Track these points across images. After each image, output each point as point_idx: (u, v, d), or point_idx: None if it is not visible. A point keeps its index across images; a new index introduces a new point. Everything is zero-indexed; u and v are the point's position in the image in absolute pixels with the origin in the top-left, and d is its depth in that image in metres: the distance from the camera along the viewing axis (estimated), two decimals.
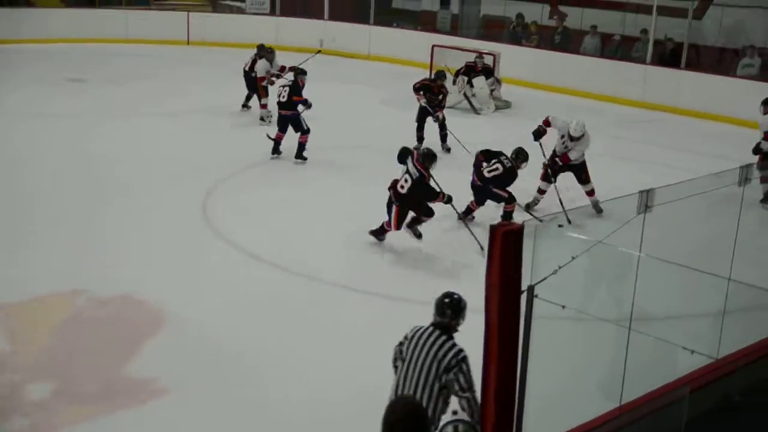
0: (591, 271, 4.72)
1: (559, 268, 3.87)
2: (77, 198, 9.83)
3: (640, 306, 4.66)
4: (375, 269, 8.28)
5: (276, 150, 11.63)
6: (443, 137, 12.38)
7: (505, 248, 3.72)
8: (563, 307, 3.98)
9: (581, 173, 9.93)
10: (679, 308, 6.51)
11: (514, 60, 17.20)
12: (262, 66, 13.63)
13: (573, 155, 9.83)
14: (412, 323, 4.74)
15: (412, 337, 4.60)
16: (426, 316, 4.69)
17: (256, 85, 13.77)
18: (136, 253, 8.35)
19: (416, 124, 12.41)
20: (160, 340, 6.61)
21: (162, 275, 7.84)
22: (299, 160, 11.50)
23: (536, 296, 3.87)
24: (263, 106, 13.61)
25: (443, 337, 4.54)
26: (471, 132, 12.98)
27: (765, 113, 10.67)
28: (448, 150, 12.27)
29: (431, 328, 4.60)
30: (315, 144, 11.62)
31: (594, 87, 16.32)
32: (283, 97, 11.37)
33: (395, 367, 4.71)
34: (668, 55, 16.77)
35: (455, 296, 4.71)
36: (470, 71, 15.01)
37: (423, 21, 22.17)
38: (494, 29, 20.55)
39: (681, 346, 4.89)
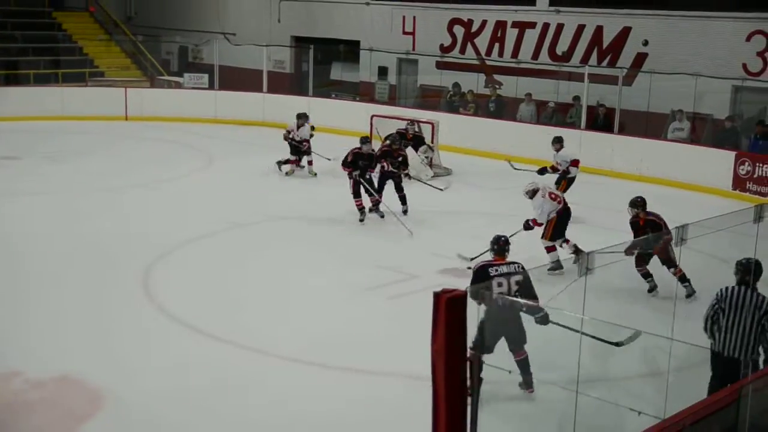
0: (536, 335, 4.75)
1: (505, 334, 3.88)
2: (8, 276, 9.57)
3: (587, 368, 4.69)
4: (327, 340, 8.17)
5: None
6: (403, 198, 12.75)
7: (450, 314, 3.71)
8: (509, 372, 3.99)
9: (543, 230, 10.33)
10: (624, 369, 6.55)
11: (453, 128, 17.48)
12: (306, 130, 15.09)
13: (534, 215, 10.33)
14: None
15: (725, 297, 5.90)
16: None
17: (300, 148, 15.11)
18: (73, 330, 8.11)
19: (377, 186, 12.68)
20: (98, 425, 6.38)
21: (102, 353, 7.61)
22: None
23: (483, 362, 3.87)
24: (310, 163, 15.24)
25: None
26: (426, 199, 13.12)
27: (558, 150, 13.10)
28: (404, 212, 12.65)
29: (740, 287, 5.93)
30: (258, 215, 11.57)
31: (531, 152, 16.61)
32: None
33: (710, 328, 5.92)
34: (601, 121, 17.21)
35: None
36: (402, 138, 15.10)
37: (361, 92, 22.48)
38: (431, 98, 20.91)
39: (628, 407, 4.90)
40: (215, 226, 11.76)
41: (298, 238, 11.53)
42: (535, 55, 19.36)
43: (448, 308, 3.69)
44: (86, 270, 9.90)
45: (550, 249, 10.24)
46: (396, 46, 21.69)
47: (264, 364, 7.56)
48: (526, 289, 6.41)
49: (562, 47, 18.93)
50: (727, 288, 5.92)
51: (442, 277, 9.74)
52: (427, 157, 15.51)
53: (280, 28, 24.47)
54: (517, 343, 5.83)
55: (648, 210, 9.42)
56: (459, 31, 20.77)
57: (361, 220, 12.32)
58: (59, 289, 9.22)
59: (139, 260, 10.15)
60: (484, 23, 20.26)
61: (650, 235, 8.99)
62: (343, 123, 19.23)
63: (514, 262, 6.84)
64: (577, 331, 4.55)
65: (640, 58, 17.72)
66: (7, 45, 23.79)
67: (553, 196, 10.44)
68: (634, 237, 9.20)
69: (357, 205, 12.42)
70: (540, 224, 10.28)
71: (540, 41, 19.29)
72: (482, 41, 20.35)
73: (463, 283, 8.90)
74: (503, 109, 18.91)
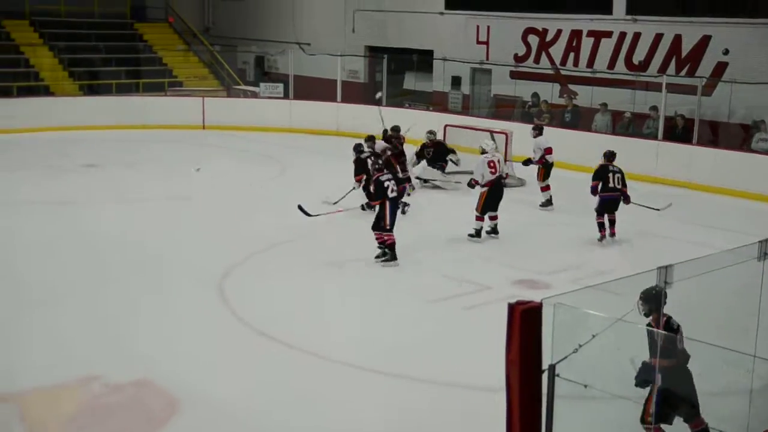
0: (612, 349, 4.65)
1: (580, 346, 3.82)
2: (88, 281, 9.84)
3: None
4: (401, 349, 8.16)
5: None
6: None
7: (525, 326, 3.68)
8: (585, 386, 3.92)
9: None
10: (704, 387, 6.37)
11: (526, 138, 17.31)
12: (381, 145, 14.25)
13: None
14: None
15: None
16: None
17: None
18: (152, 335, 8.29)
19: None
20: (176, 429, 6.50)
21: (179, 358, 7.76)
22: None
23: (558, 375, 3.81)
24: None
25: None
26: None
27: (535, 136, 14.06)
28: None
29: None
30: (330, 223, 11.64)
31: None
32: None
33: None
34: (679, 131, 16.85)
35: None
36: (424, 149, 15.24)
37: (434, 101, 22.47)
38: (505, 108, 20.78)
39: (709, 426, 4.78)
40: (289, 233, 11.88)
41: (370, 247, 11.56)
42: (611, 65, 19.07)
43: (523, 319, 3.67)
44: (163, 275, 10.11)
45: (478, 218, 11.83)
46: (470, 55, 21.63)
47: (338, 373, 7.59)
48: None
49: (639, 56, 18.60)
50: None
51: (514, 289, 9.68)
52: (455, 162, 15.49)
53: (354, 38, 24.65)
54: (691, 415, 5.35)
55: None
56: (534, 40, 20.61)
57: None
58: (137, 294, 9.43)
59: (214, 266, 10.32)
60: (559, 32, 20.06)
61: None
62: (416, 132, 19.24)
63: None
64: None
65: (720, 68, 17.29)
66: (90, 56, 24.53)
67: (491, 164, 11.82)
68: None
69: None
70: (477, 182, 11.91)
71: (616, 50, 18.99)
72: (557, 50, 20.15)
73: (538, 295, 8.83)
74: (579, 119, 18.68)
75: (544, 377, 3.75)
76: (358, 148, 13.10)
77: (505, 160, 15.62)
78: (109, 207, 13.37)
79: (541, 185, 13.95)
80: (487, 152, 11.97)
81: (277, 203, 13.87)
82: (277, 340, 8.20)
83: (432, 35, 22.68)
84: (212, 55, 26.28)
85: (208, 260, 10.62)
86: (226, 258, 10.69)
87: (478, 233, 11.82)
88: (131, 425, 6.58)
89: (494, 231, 12.03)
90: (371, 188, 10.77)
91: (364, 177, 12.26)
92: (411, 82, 23.78)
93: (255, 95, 23.13)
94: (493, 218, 12.00)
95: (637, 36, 18.61)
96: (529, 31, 20.66)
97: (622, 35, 18.86)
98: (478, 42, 21.69)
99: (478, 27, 21.64)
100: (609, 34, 19.11)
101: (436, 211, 13.72)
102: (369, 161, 12.50)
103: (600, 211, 11.86)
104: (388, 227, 10.55)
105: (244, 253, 10.96)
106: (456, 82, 22.30)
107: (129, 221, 12.56)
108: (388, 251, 10.62)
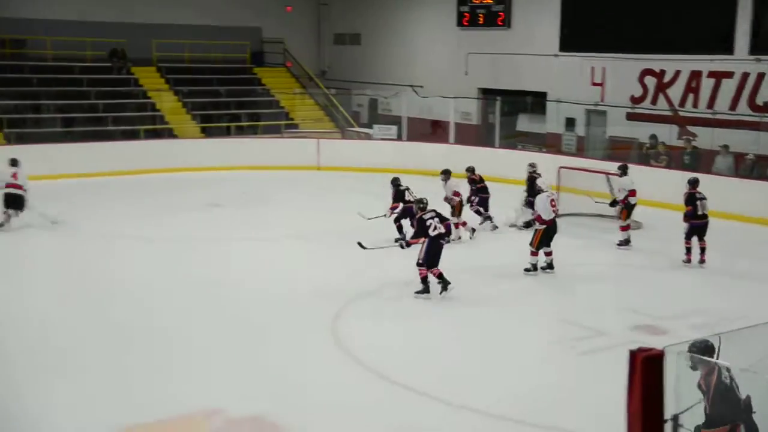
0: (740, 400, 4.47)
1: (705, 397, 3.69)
2: (212, 318, 10.12)
3: None
4: (518, 394, 8.06)
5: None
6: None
7: (646, 375, 3.59)
8: None
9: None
10: None
11: (644, 181, 16.92)
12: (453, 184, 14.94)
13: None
14: None
15: None
16: None
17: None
18: (270, 373, 8.44)
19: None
20: None
21: (295, 398, 7.87)
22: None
23: (681, 426, 3.70)
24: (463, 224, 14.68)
25: None
26: (606, 254, 12.87)
27: (621, 176, 14.16)
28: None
29: None
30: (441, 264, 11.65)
31: (727, 206, 15.79)
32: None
33: None
34: None
35: None
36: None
37: (548, 143, 22.29)
38: (621, 150, 20.41)
39: None
40: (402, 274, 11.92)
41: (478, 289, 11.51)
42: (733, 106, 18.51)
43: (644, 368, 3.57)
44: (279, 313, 10.31)
45: (533, 254, 12.09)
46: (584, 97, 21.40)
47: (453, 415, 7.56)
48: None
49: (763, 97, 17.99)
50: None
51: (633, 334, 9.45)
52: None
53: (467, 81, 24.77)
54: None
55: None
56: (651, 81, 20.24)
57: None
58: (254, 331, 9.64)
59: (329, 306, 10.45)
60: (677, 73, 19.62)
61: None
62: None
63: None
64: None
65: None
66: (212, 99, 25.50)
67: (552, 202, 12.13)
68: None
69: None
70: (541, 220, 12.04)
71: (738, 91, 18.42)
72: (675, 91, 19.71)
73: (659, 341, 8.61)
74: (698, 161, 18.15)
75: (668, 428, 3.64)
76: (395, 182, 14.35)
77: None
78: (226, 244, 13.75)
79: (622, 225, 14.09)
80: (544, 190, 12.29)
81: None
82: (391, 380, 8.22)
83: (546, 77, 22.57)
84: (327, 98, 26.89)
85: (325, 298, 10.76)
86: (343, 296, 10.84)
87: (534, 267, 12.16)
88: None
89: (550, 266, 12.26)
90: (413, 225, 11.66)
91: (400, 205, 13.77)
92: (524, 123, 23.67)
93: (368, 137, 23.49)
94: (548, 254, 12.24)
95: (760, 76, 18.02)
96: (646, 72, 20.30)
97: (745, 75, 18.30)
98: (594, 83, 21.45)
99: (593, 68, 21.42)
100: (730, 75, 18.58)
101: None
102: (407, 193, 13.88)
103: (689, 236, 12.54)
104: (420, 262, 10.91)
105: (358, 292, 11.09)
106: (570, 123, 22.07)
107: (247, 257, 12.89)
108: (422, 284, 10.97)
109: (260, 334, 9.58)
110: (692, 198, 12.55)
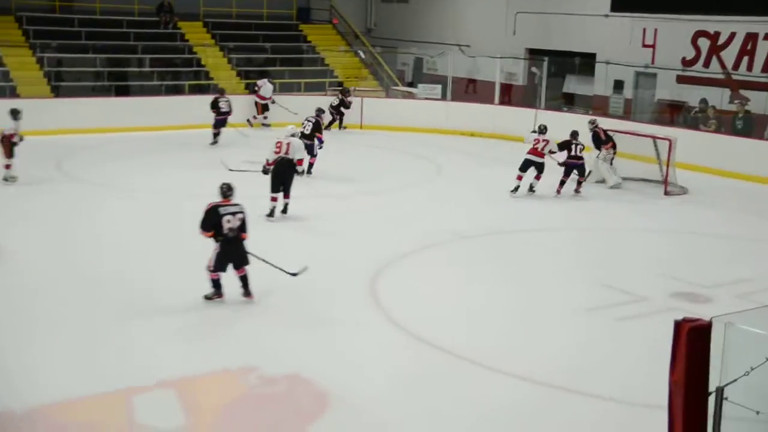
0: None
1: (752, 369, 3.58)
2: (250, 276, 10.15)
3: None
4: (551, 359, 8.00)
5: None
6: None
7: (692, 346, 3.50)
8: (757, 412, 3.67)
9: None
10: None
11: (691, 145, 16.62)
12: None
13: None
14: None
15: None
16: None
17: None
18: (304, 331, 8.46)
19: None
20: (325, 426, 6.62)
21: (330, 355, 7.89)
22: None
23: (726, 399, 3.60)
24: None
25: None
26: (649, 219, 12.69)
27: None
28: None
29: None
30: (481, 227, 11.56)
31: None
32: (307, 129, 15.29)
33: None
34: None
35: None
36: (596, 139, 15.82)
37: (595, 105, 21.92)
38: (669, 114, 20.00)
39: None
40: (441, 236, 11.87)
41: (519, 252, 11.43)
42: None
43: (690, 339, 3.49)
44: (318, 274, 10.27)
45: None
46: (634, 59, 20.93)
47: (486, 379, 7.52)
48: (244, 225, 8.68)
49: None
50: None
51: (673, 301, 9.32)
52: (605, 160, 15.66)
53: (515, 41, 24.38)
54: None
55: None
56: (704, 43, 19.71)
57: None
58: (292, 292, 9.59)
59: (367, 266, 10.41)
60: (732, 35, 19.08)
61: None
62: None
63: (237, 204, 8.72)
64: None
65: None
66: (257, 55, 25.43)
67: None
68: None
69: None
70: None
71: None
72: (729, 54, 19.18)
73: (701, 310, 8.49)
74: (752, 126, 17.71)
75: (711, 400, 3.56)
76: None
77: (667, 167, 15.09)
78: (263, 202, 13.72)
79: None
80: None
81: (431, 205, 13.93)
82: (427, 342, 8.20)
83: (595, 38, 22.10)
84: (373, 56, 26.68)
85: (363, 259, 10.74)
86: (381, 258, 10.78)
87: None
88: (282, 418, 6.74)
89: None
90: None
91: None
92: (572, 85, 23.29)
93: (413, 96, 23.30)
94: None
95: None
96: (700, 33, 19.78)
97: None
98: (644, 45, 20.95)
99: (644, 30, 20.91)
100: None
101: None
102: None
103: (567, 173, 14.80)
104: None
105: (397, 253, 11.01)
106: (618, 86, 21.63)
107: (288, 217, 12.84)
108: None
109: (296, 291, 9.50)
110: (567, 143, 14.64)
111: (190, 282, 9.12)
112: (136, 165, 16.35)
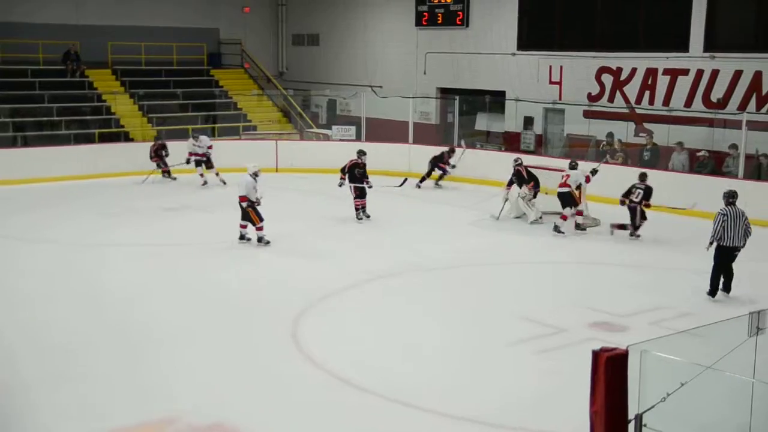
0: (702, 399, 4.44)
1: (668, 395, 3.65)
2: (166, 324, 9.93)
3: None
4: (472, 395, 8.00)
5: None
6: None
7: (610, 375, 3.54)
8: None
9: None
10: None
11: (601, 177, 17.03)
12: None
13: None
14: None
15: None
16: None
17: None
18: (227, 378, 8.29)
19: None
20: None
21: (253, 402, 7.73)
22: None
23: (645, 426, 3.65)
24: None
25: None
26: (565, 252, 12.87)
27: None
28: None
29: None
30: (400, 264, 11.57)
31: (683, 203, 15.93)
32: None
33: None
34: (765, 170, 16.38)
35: None
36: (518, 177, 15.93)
37: (507, 141, 22.35)
38: (579, 148, 20.52)
39: None
40: (359, 276, 11.84)
41: (436, 288, 11.48)
42: (688, 103, 18.70)
43: (608, 367, 3.52)
44: (238, 317, 10.14)
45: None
46: (542, 95, 21.50)
47: (410, 417, 7.47)
48: None
49: (717, 94, 18.20)
50: (726, 208, 10.58)
51: (591, 331, 9.46)
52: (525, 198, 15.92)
53: (425, 80, 24.77)
54: None
55: None
56: (607, 79, 20.38)
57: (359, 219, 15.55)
58: (212, 336, 9.46)
59: (287, 309, 10.30)
60: (633, 71, 19.79)
61: None
62: (489, 173, 19.23)
63: None
64: None
65: None
66: (168, 102, 25.16)
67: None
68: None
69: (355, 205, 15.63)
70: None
71: (693, 88, 18.62)
72: (632, 89, 19.88)
73: (619, 339, 8.61)
74: (658, 158, 18.31)
75: (631, 427, 3.60)
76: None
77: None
78: (177, 249, 13.50)
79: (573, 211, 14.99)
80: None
81: (349, 245, 13.90)
82: (352, 384, 8.12)
83: (504, 76, 22.63)
84: (286, 99, 26.69)
85: (283, 302, 10.63)
86: (300, 300, 10.69)
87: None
88: None
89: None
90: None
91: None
92: (483, 122, 23.72)
93: (327, 138, 23.35)
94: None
95: (715, 73, 18.24)
96: (603, 70, 20.45)
97: (700, 72, 18.51)
98: (551, 82, 21.56)
99: (551, 67, 21.53)
100: (686, 72, 18.77)
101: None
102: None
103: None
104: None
105: (317, 296, 10.94)
106: (528, 122, 22.16)
107: (197, 263, 12.66)
108: None
109: (216, 340, 9.39)
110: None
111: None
112: (41, 216, 15.95)
